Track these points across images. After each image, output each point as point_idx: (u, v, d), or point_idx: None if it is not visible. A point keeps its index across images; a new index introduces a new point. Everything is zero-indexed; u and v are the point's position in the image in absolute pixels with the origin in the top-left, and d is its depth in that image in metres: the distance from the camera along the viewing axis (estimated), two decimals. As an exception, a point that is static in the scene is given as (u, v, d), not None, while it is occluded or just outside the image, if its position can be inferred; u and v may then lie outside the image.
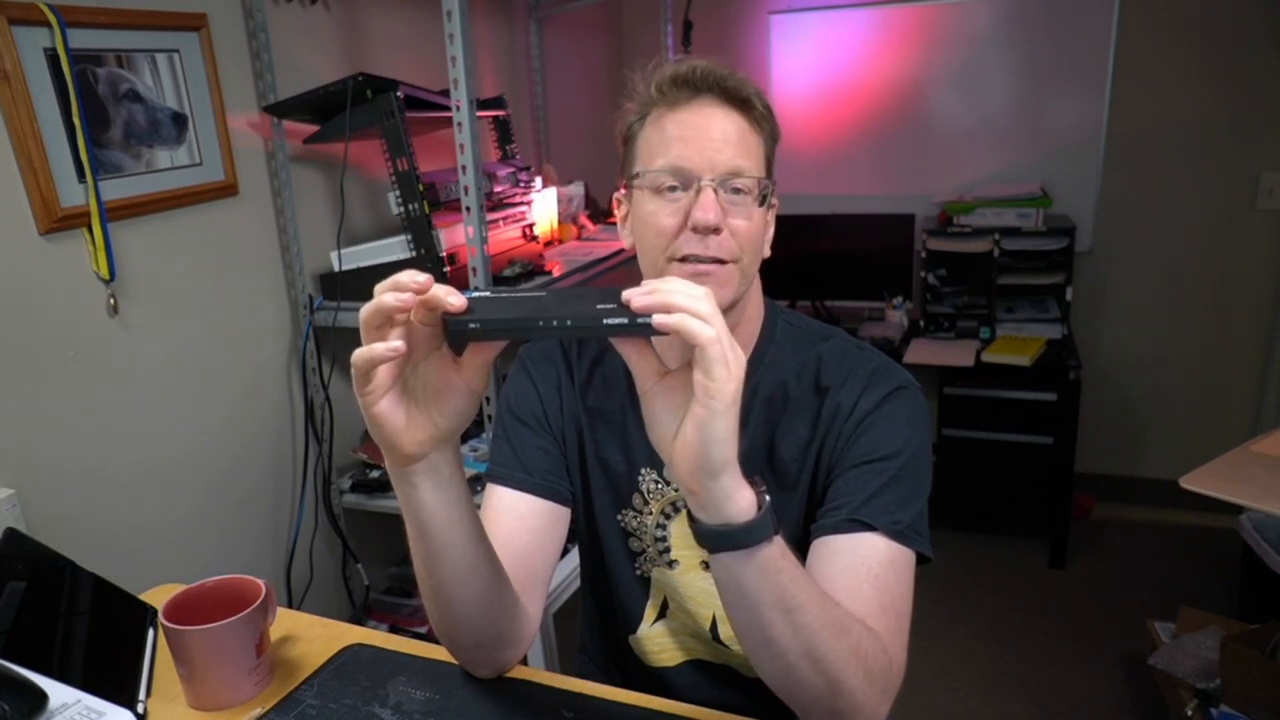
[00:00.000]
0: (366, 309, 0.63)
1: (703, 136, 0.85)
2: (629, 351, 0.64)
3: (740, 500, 0.63)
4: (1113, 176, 2.91)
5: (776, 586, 0.66)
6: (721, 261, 0.85)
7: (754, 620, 0.69)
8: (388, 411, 0.67)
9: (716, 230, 0.84)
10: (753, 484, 0.66)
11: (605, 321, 0.59)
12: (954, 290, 2.96)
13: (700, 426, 0.61)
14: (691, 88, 0.86)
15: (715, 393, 0.60)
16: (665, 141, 0.86)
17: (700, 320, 0.59)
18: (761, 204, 0.87)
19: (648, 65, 0.90)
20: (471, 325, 0.60)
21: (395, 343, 0.62)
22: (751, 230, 0.86)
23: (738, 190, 0.85)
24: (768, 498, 0.65)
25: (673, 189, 0.86)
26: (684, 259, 0.86)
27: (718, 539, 0.65)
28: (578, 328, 0.59)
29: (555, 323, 0.59)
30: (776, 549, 0.66)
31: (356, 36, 2.03)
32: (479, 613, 0.81)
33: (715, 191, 0.84)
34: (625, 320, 0.59)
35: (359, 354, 0.64)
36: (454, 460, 0.72)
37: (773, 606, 0.67)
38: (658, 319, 0.59)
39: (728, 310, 0.89)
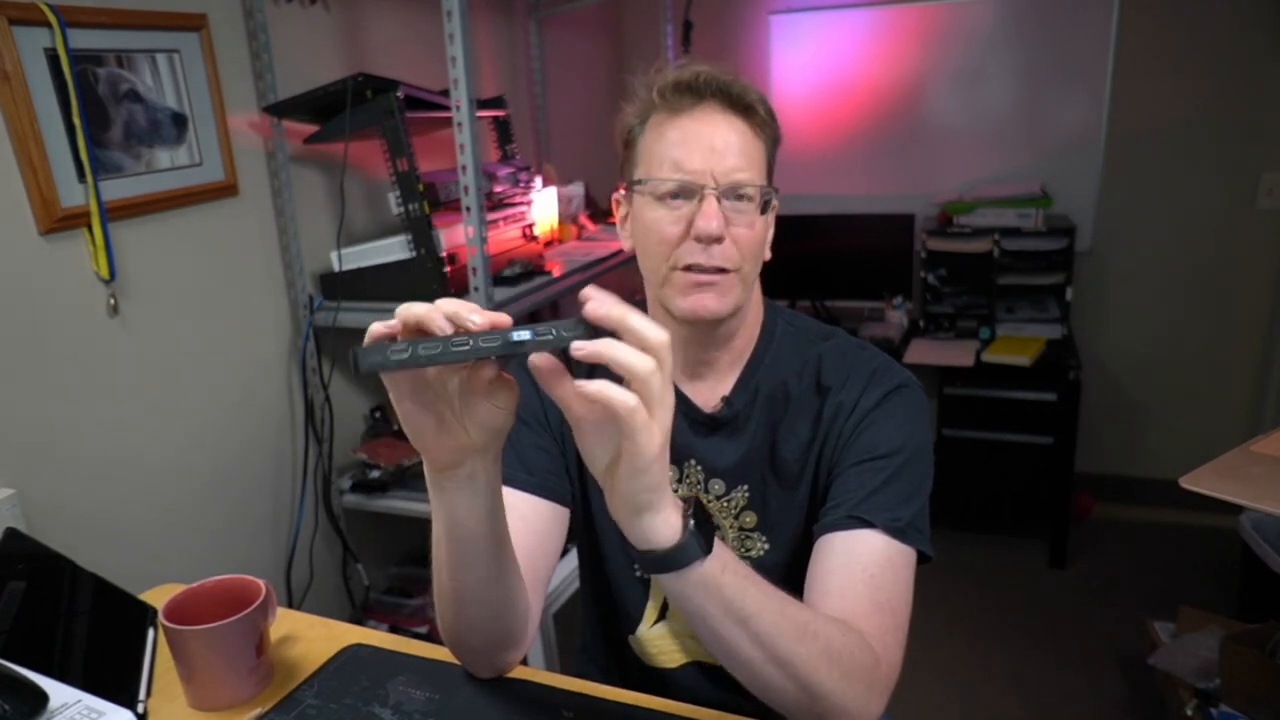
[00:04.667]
0: (413, 314, 0.60)
1: (705, 144, 0.85)
2: (550, 382, 0.60)
3: (664, 529, 0.64)
4: (1113, 176, 2.91)
5: (721, 600, 0.67)
6: (724, 270, 0.86)
7: (711, 632, 0.69)
8: (412, 414, 0.65)
9: (719, 239, 0.84)
10: (683, 505, 0.66)
11: (513, 336, 0.56)
12: (954, 290, 2.96)
13: (629, 477, 0.61)
14: (694, 94, 0.86)
15: (637, 454, 0.59)
16: (667, 148, 0.86)
17: (619, 390, 0.57)
18: (763, 211, 0.87)
19: (648, 68, 0.90)
20: (394, 357, 0.56)
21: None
22: (753, 238, 0.87)
23: (740, 199, 0.85)
24: (692, 522, 0.65)
25: (675, 197, 0.86)
26: (687, 268, 0.86)
27: (648, 562, 0.65)
28: (487, 347, 0.56)
29: (468, 345, 0.56)
30: (714, 565, 0.66)
31: (356, 36, 2.03)
32: (493, 616, 0.81)
33: (718, 200, 0.84)
34: (529, 335, 0.56)
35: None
36: (491, 473, 0.70)
37: (722, 619, 0.68)
38: (584, 349, 0.57)
39: (729, 317, 0.89)
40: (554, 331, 0.57)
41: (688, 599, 0.67)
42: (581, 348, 0.57)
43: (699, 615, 0.68)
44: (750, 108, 0.86)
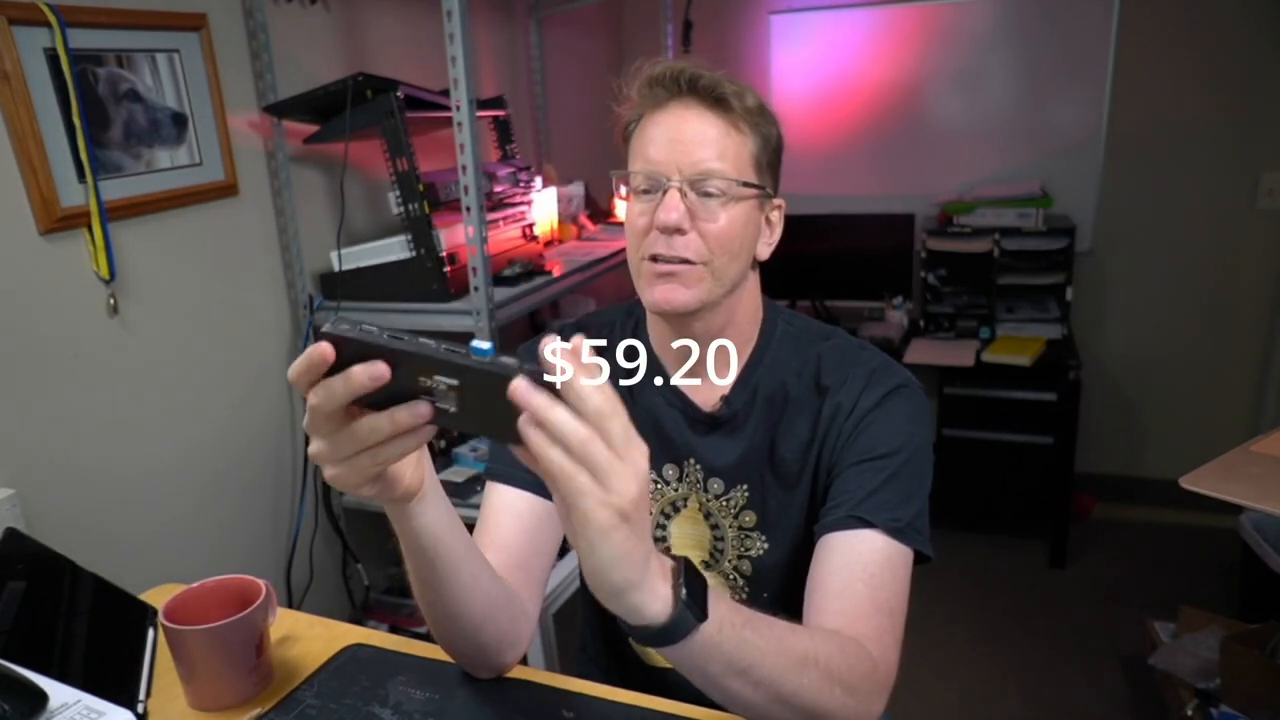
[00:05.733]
0: (322, 411, 0.56)
1: (675, 138, 0.86)
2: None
3: (655, 602, 0.59)
4: (1113, 176, 2.91)
5: (720, 659, 0.64)
6: (689, 262, 0.86)
7: (711, 686, 0.68)
8: (383, 482, 0.64)
9: (680, 231, 0.84)
10: (673, 568, 0.61)
11: (468, 361, 0.52)
12: (954, 290, 2.96)
13: (593, 552, 0.55)
14: (667, 89, 0.87)
15: (588, 524, 0.54)
16: (644, 143, 0.88)
17: (545, 444, 0.52)
18: (740, 204, 0.87)
19: (634, 68, 0.91)
20: (364, 334, 0.54)
21: (428, 429, 0.57)
22: (722, 232, 0.86)
23: (708, 193, 0.85)
24: (685, 591, 0.60)
25: (647, 191, 0.87)
26: (654, 258, 0.87)
27: (640, 637, 0.61)
28: (444, 360, 0.53)
29: (429, 352, 0.53)
30: (711, 627, 0.62)
31: (356, 36, 2.03)
32: (481, 621, 0.81)
33: (682, 192, 0.84)
34: (477, 366, 0.52)
35: (368, 466, 0.59)
36: (434, 477, 0.71)
37: (723, 674, 0.66)
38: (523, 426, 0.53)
39: (702, 311, 0.89)
40: (514, 361, 0.52)
41: (682, 662, 0.65)
42: (519, 390, 0.52)
43: (698, 674, 0.66)
44: (723, 100, 0.86)
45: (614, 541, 0.55)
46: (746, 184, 0.87)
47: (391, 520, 0.71)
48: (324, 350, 0.54)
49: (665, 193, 0.85)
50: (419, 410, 0.55)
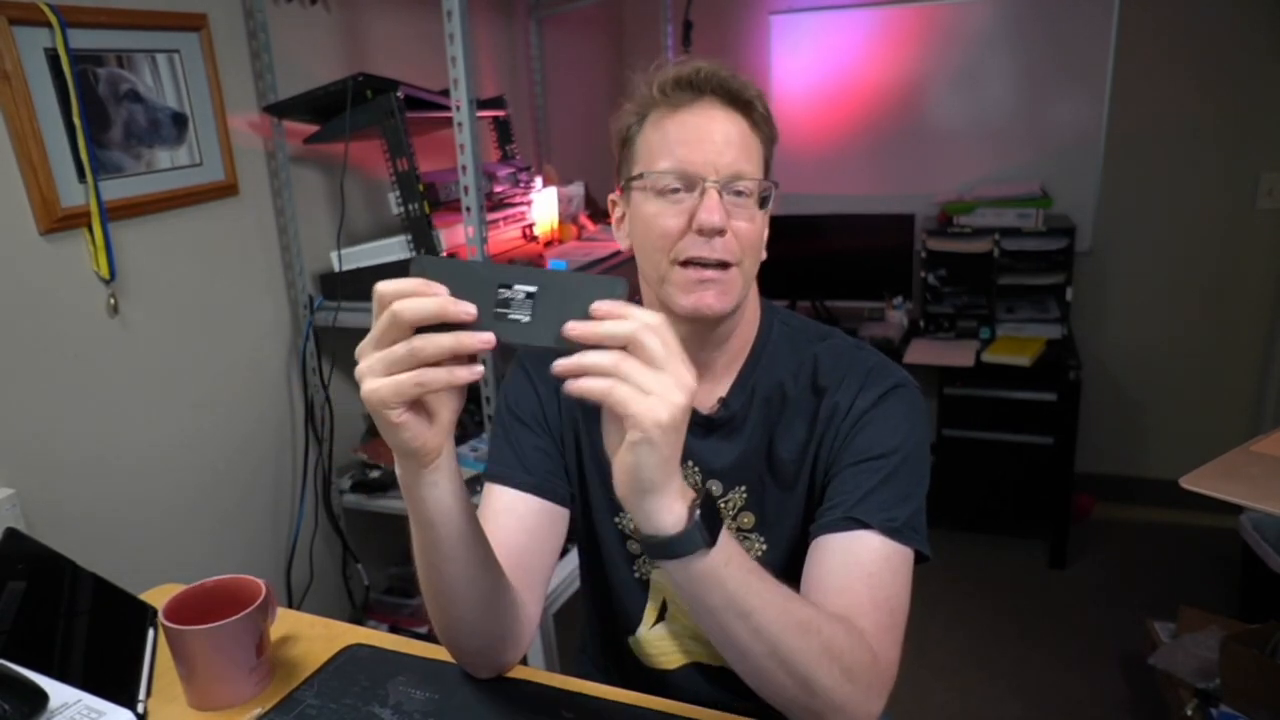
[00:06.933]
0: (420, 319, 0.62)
1: (705, 139, 0.85)
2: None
3: (669, 515, 0.64)
4: (1113, 177, 2.91)
5: (723, 593, 0.68)
6: (725, 265, 0.86)
7: (712, 624, 0.70)
8: (414, 417, 0.66)
9: (721, 232, 0.84)
10: (694, 493, 0.66)
11: (551, 271, 0.61)
12: (954, 290, 2.96)
13: (632, 449, 0.61)
14: (694, 89, 0.86)
15: (635, 425, 0.60)
16: (667, 143, 0.86)
17: (597, 377, 0.60)
18: (762, 206, 0.88)
19: (649, 66, 0.90)
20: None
21: (478, 368, 0.63)
22: (753, 232, 0.87)
23: (740, 193, 0.85)
24: (698, 513, 0.65)
25: (675, 191, 0.86)
26: (686, 263, 0.86)
27: (652, 548, 0.66)
28: (525, 271, 0.61)
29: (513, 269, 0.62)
30: (718, 558, 0.66)
31: (356, 36, 2.03)
32: (483, 613, 0.81)
33: (719, 193, 0.84)
34: (539, 341, 0.61)
35: (433, 377, 0.62)
36: (453, 455, 0.72)
37: (723, 611, 0.68)
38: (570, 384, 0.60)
39: (729, 315, 0.89)
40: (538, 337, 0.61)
41: (687, 586, 0.68)
42: (600, 308, 0.60)
43: (701, 604, 0.69)
44: (749, 104, 0.87)
45: (662, 446, 0.60)
46: (765, 183, 0.88)
47: (402, 486, 0.71)
48: (433, 288, 0.61)
49: (704, 193, 0.84)
50: (485, 337, 0.61)
